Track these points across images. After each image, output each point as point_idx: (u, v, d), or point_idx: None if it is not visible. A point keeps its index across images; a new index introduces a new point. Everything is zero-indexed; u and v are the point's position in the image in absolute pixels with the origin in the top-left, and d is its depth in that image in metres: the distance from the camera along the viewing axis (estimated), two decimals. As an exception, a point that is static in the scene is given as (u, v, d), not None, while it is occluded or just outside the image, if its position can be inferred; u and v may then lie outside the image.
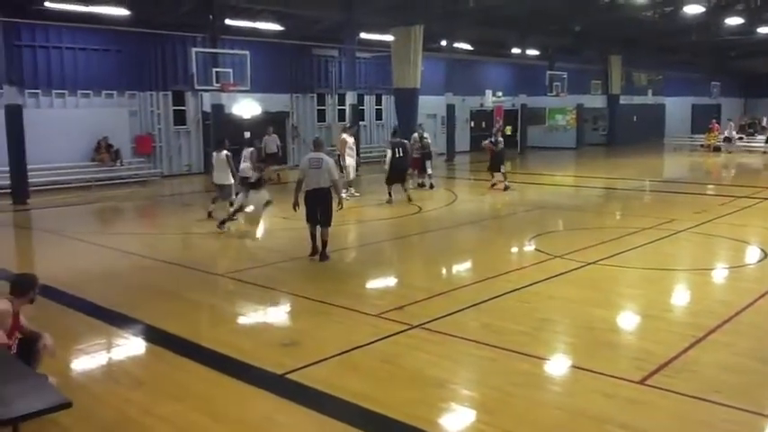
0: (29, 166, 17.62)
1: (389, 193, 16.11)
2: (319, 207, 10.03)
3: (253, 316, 7.91)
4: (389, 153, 16.41)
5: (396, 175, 16.20)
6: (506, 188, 17.85)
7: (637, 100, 40.43)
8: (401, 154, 16.21)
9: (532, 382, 5.69)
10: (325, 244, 10.12)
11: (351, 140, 17.51)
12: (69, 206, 16.93)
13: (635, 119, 39.32)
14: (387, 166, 16.45)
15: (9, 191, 17.32)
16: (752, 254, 10.82)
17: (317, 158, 9.96)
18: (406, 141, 17.03)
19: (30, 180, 17.80)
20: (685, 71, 42.65)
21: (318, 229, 10.13)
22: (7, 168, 17.36)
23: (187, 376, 5.88)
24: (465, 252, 11.49)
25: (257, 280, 9.24)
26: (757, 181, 21.23)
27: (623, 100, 38.09)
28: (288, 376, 5.73)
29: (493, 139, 18.61)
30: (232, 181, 13.29)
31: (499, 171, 18.30)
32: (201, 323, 7.36)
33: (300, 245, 11.20)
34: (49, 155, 19.06)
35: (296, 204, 10.11)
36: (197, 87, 20.84)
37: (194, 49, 20.03)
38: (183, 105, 23.58)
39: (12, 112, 17.01)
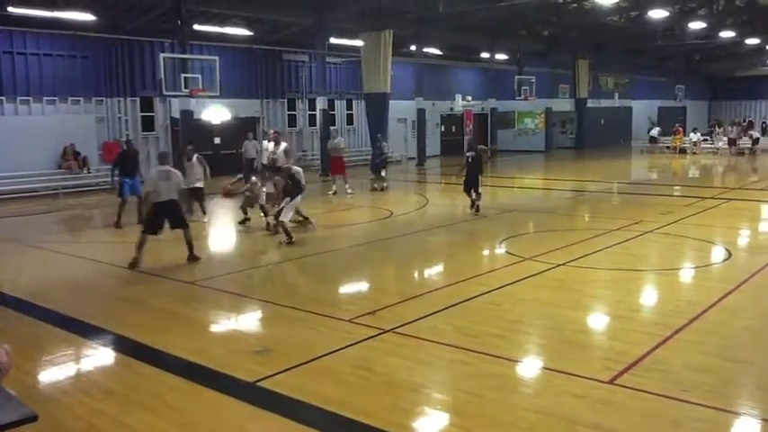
0: (-7, 175, 17.30)
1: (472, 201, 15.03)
2: (170, 216, 10.32)
3: (224, 323, 7.84)
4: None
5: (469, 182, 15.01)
6: (477, 210, 14.90)
7: (604, 103, 41.03)
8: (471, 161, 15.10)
9: (505, 385, 5.72)
10: (191, 245, 10.45)
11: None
12: (35, 215, 16.63)
13: (602, 122, 39.88)
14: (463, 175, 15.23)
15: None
16: (717, 253, 11.02)
17: (166, 171, 10.40)
18: (475, 151, 15.52)
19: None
20: (652, 75, 43.39)
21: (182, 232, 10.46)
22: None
23: (157, 386, 5.81)
24: (436, 256, 11.53)
25: (228, 287, 9.18)
26: (722, 182, 21.66)
27: (591, 103, 38.63)
28: (260, 384, 5.69)
29: (469, 153, 15.48)
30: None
31: (473, 189, 15.03)
32: (172, 332, 7.27)
33: (270, 252, 11.18)
34: (14, 163, 18.73)
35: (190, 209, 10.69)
36: (165, 93, 20.61)
37: (162, 55, 19.82)
38: (152, 111, 23.33)
39: (-25, 120, 16.67)
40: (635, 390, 5.44)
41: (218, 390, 5.62)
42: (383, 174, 20.12)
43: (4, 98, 19.63)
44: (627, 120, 42.99)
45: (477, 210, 14.82)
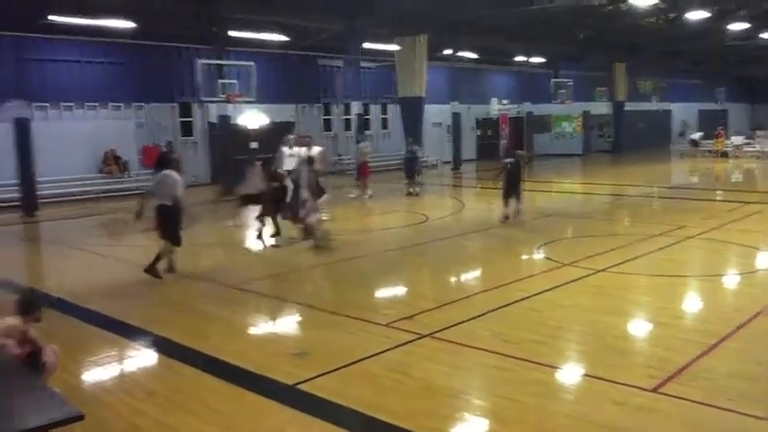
0: (37, 179, 17.72)
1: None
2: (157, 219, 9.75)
3: (263, 327, 7.92)
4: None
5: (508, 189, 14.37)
6: (518, 215, 14.32)
7: (642, 106, 40.39)
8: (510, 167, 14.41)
9: (545, 391, 5.66)
10: (158, 257, 9.67)
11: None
12: (78, 218, 16.99)
13: (641, 125, 39.29)
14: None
15: (18, 203, 17.41)
16: (763, 259, 10.76)
17: (162, 175, 9.95)
18: (513, 157, 14.90)
19: (38, 192, 17.90)
20: (691, 77, 42.63)
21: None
22: (16, 181, 17.45)
23: (198, 387, 5.88)
24: (473, 260, 11.47)
25: (267, 291, 9.28)
26: (766, 186, 21.14)
27: (629, 106, 38.06)
28: (299, 387, 5.72)
29: (507, 159, 14.69)
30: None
31: (511, 197, 14.27)
32: (212, 334, 7.36)
33: (309, 255, 11.25)
34: (57, 167, 19.17)
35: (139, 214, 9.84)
36: (203, 99, 20.94)
37: (200, 61, 20.13)
38: (190, 117, 23.69)
39: (20, 126, 17.11)
40: (678, 398, 5.33)
41: (258, 392, 5.66)
42: (417, 178, 20.10)
43: (47, 105, 20.13)
44: (666, 123, 42.29)
45: (518, 214, 14.24)
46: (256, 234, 12.56)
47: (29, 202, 17.34)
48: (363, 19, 22.77)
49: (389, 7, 21.67)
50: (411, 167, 20.18)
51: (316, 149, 15.20)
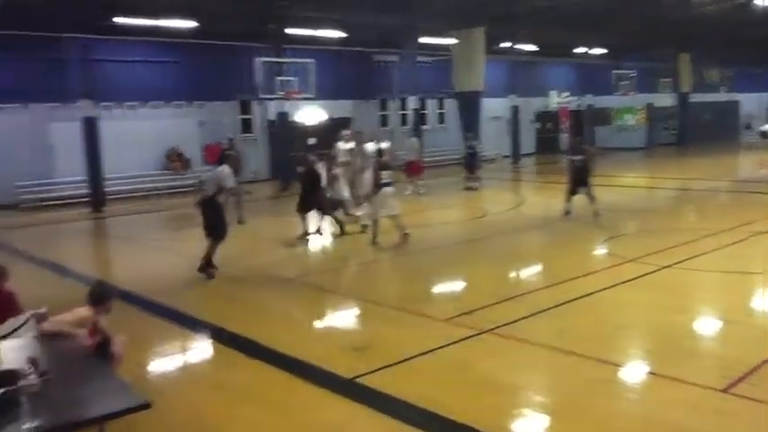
0: (104, 176, 18.31)
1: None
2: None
3: (323, 320, 7.99)
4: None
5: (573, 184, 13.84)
6: (568, 213, 13.81)
7: (709, 97, 39.01)
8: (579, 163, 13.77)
9: (608, 390, 5.53)
10: (206, 258, 9.60)
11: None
12: (143, 214, 17.49)
13: (707, 117, 37.95)
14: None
15: (87, 200, 18.02)
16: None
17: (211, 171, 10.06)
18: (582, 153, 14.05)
19: (105, 189, 18.50)
20: (761, 66, 40.92)
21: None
22: (85, 178, 18.07)
23: (261, 379, 5.96)
24: (534, 256, 11.29)
25: (326, 284, 9.35)
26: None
27: (695, 98, 36.82)
28: (358, 380, 5.74)
29: (576, 157, 13.94)
30: None
31: (576, 195, 13.74)
32: (274, 327, 7.45)
33: (368, 250, 11.29)
34: (122, 165, 19.76)
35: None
36: (262, 96, 21.24)
37: (259, 59, 20.42)
38: (250, 114, 24.07)
39: (88, 125, 17.72)
40: (751, 399, 5.13)
41: (318, 385, 5.71)
42: (476, 173, 19.94)
43: (112, 104, 20.74)
44: (733, 114, 40.72)
45: (596, 216, 13.34)
46: (315, 229, 12.69)
47: (96, 198, 17.94)
48: (420, 13, 22.65)
49: (446, 1, 21.52)
50: (471, 162, 20.11)
51: (384, 144, 15.17)
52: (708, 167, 25.22)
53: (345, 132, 17.31)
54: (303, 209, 12.42)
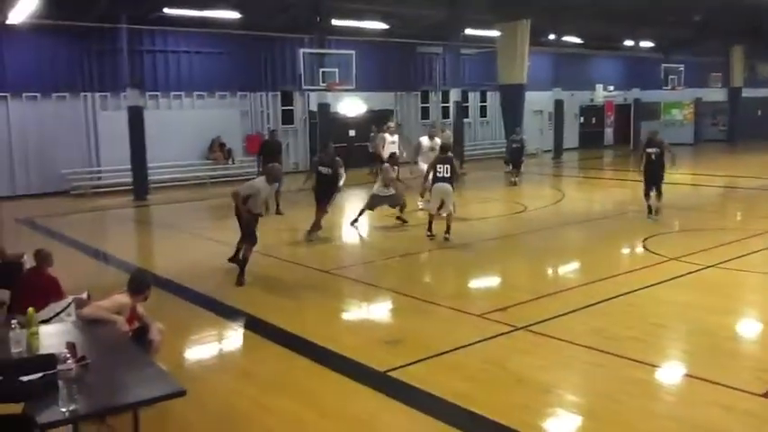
0: (149, 165, 18.66)
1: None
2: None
3: (357, 312, 8.01)
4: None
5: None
6: (657, 213, 13.07)
7: (762, 92, 37.81)
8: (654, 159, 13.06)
9: (644, 391, 5.43)
10: (241, 261, 9.17)
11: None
12: (186, 202, 17.78)
13: (760, 113, 36.80)
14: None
15: (131, 188, 18.40)
16: None
17: None
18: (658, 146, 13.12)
19: (149, 177, 18.85)
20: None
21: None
22: (129, 166, 18.44)
23: (294, 370, 6.02)
24: (572, 253, 11.14)
25: (361, 277, 9.38)
26: None
27: (746, 93, 35.73)
28: (390, 374, 5.75)
29: (651, 149, 13.06)
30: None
31: (652, 191, 13.11)
32: (308, 318, 7.52)
33: (402, 243, 11.28)
34: (167, 153, 20.10)
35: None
36: (304, 87, 21.35)
37: (302, 50, 20.52)
38: (291, 105, 24.23)
39: (134, 114, 18.06)
40: (794, 406, 4.99)
41: (351, 377, 5.74)
42: (519, 168, 19.71)
43: (159, 93, 21.11)
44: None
45: (657, 213, 12.96)
46: (352, 221, 12.74)
47: (140, 186, 18.29)
48: (465, 5, 22.46)
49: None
50: (516, 157, 19.88)
51: (447, 134, 15.00)
52: (758, 165, 24.46)
53: (391, 124, 17.37)
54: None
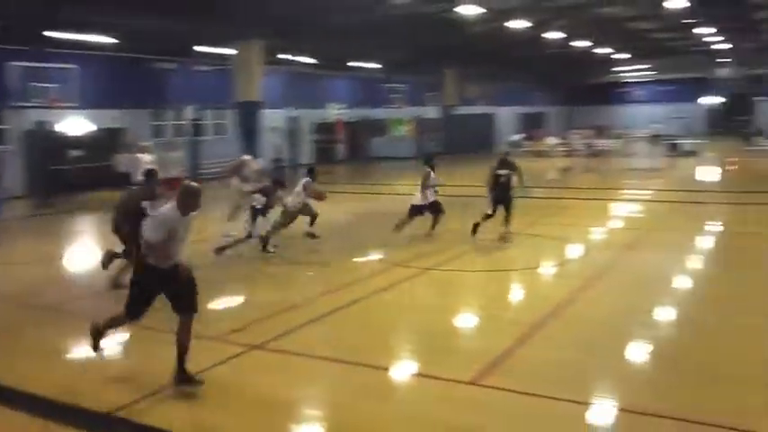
0: None
1: None
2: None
3: (78, 351, 7.23)
4: None
5: None
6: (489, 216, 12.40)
7: (470, 110, 42.46)
8: None
9: (380, 395, 5.81)
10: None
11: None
12: None
13: (467, 128, 41.17)
14: None
15: None
16: (573, 251, 11.78)
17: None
18: (508, 167, 12.52)
19: None
20: (516, 82, 45.41)
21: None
22: None
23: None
24: (311, 266, 11.40)
25: (85, 311, 8.66)
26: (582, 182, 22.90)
27: (460, 111, 39.87)
28: (120, 413, 5.37)
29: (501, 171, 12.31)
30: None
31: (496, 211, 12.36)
32: (22, 363, 6.75)
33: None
34: None
35: None
36: (15, 104, 19.32)
37: (11, 63, 18.56)
38: (2, 124, 21.69)
39: None
40: (496, 389, 5.71)
41: (75, 426, 5.28)
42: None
43: None
44: (489, 126, 44.64)
45: (504, 239, 12.19)
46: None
47: None
48: (200, 22, 22.00)
49: (226, 10, 21.14)
50: (279, 177, 19.26)
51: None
52: (468, 175, 27.13)
53: (142, 144, 16.60)
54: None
